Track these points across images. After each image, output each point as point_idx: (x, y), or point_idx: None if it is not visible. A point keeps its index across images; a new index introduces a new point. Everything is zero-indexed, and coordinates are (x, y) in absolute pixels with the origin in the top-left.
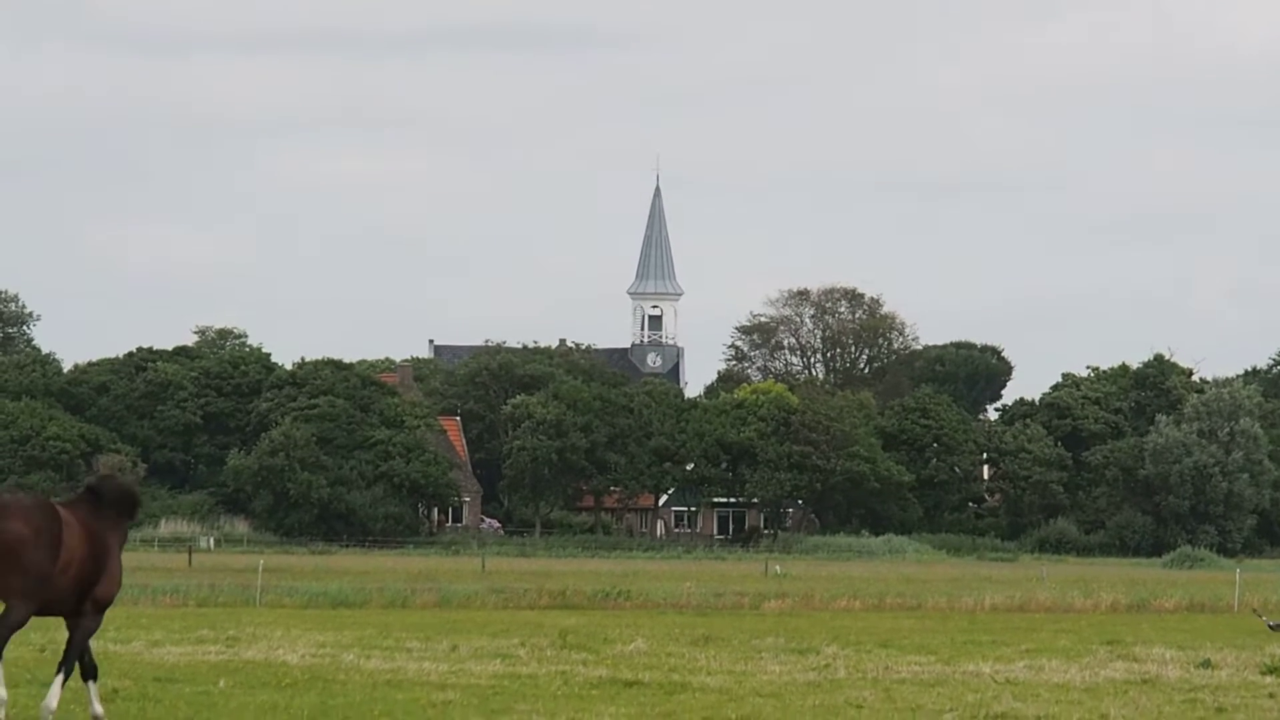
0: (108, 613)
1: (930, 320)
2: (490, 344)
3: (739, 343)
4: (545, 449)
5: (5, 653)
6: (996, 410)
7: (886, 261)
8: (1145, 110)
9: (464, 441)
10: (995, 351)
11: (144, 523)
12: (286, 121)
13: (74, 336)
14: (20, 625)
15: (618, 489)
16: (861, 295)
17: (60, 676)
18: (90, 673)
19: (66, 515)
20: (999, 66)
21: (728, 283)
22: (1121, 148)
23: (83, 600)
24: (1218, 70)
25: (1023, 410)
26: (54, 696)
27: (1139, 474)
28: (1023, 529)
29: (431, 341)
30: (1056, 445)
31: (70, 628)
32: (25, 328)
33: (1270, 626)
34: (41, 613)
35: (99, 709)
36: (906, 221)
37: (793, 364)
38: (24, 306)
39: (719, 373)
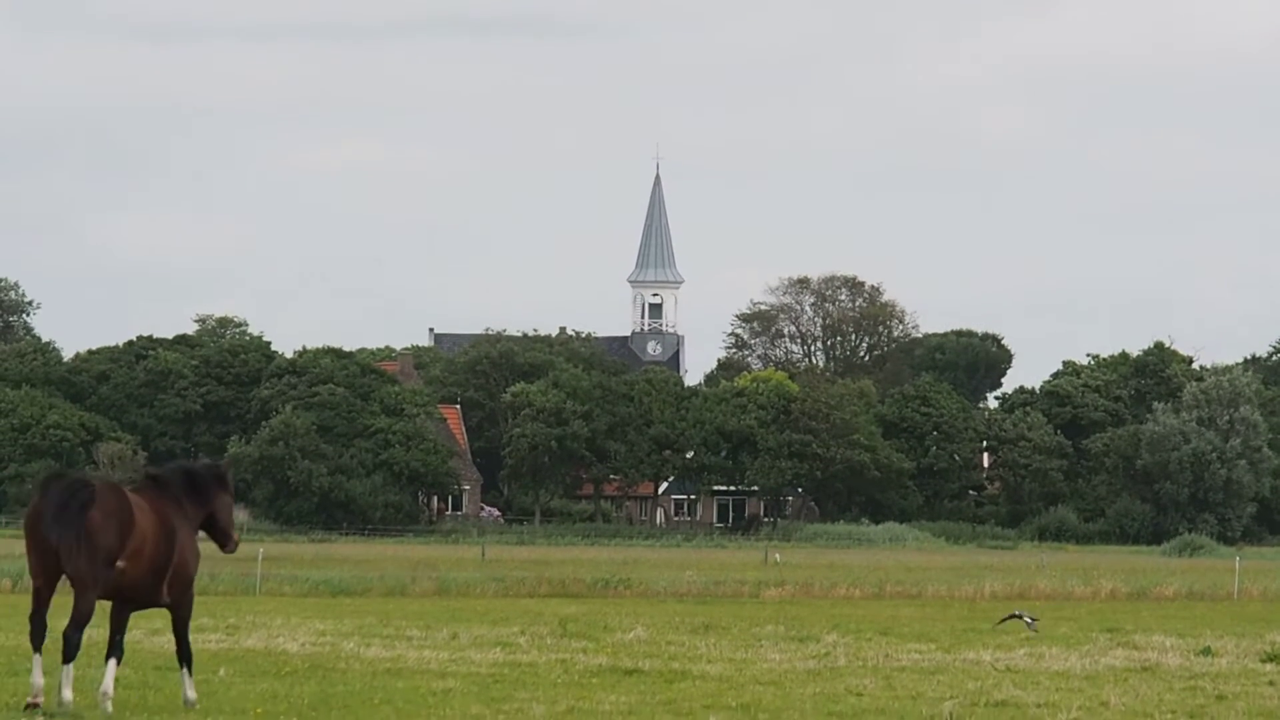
0: (107, 602)
1: (930, 308)
2: (490, 332)
3: (739, 331)
4: (545, 437)
5: (7, 640)
6: (996, 398)
7: (887, 249)
8: (1146, 99)
9: (464, 430)
10: (995, 339)
11: None
12: (287, 109)
13: (74, 325)
14: (89, 615)
15: (618, 477)
16: (862, 283)
17: (184, 669)
18: (116, 653)
19: (136, 499)
20: (1000, 55)
21: (728, 271)
22: (1122, 136)
23: (159, 584)
24: (1218, 59)
25: (1023, 398)
26: (189, 687)
27: (1139, 462)
28: (1022, 517)
29: (431, 330)
30: (1056, 433)
31: (124, 614)
32: (25, 316)
33: (1019, 619)
34: (123, 601)
35: (109, 688)
36: (907, 210)
37: (793, 352)
38: (24, 295)
39: (719, 361)
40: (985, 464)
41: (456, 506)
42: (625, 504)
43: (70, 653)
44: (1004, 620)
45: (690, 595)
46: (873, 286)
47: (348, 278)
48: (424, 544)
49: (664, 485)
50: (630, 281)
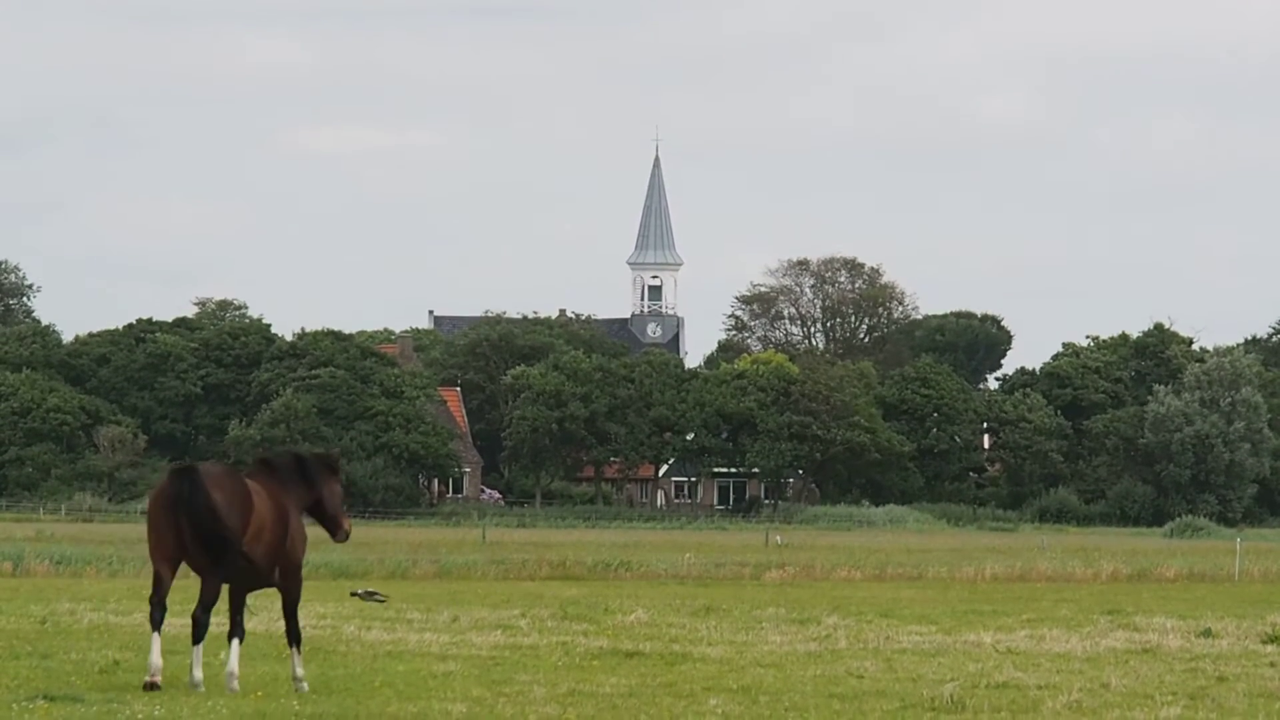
0: (110, 585)
1: (930, 290)
2: (490, 314)
3: (739, 313)
4: (545, 419)
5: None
6: (997, 380)
7: (886, 231)
8: (1146, 79)
9: (464, 412)
10: (995, 321)
11: (144, 494)
12: (286, 92)
13: (74, 308)
14: (215, 598)
15: (618, 459)
16: (861, 265)
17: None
18: (238, 632)
19: (253, 484)
20: (999, 36)
21: (727, 253)
22: (1122, 117)
23: (273, 567)
24: (1219, 40)
25: (1023, 380)
26: (298, 665)
27: (1139, 443)
28: (1023, 499)
29: (431, 312)
30: (1057, 415)
31: (240, 595)
32: (25, 299)
33: (369, 597)
34: (241, 583)
35: (234, 667)
36: (907, 191)
37: (793, 334)
38: (24, 278)
39: (719, 343)
40: (986, 445)
41: (457, 489)
42: (626, 486)
43: (199, 634)
44: (359, 595)
45: (691, 577)
46: (872, 268)
47: (347, 260)
48: (424, 527)
49: (664, 467)
50: (630, 264)
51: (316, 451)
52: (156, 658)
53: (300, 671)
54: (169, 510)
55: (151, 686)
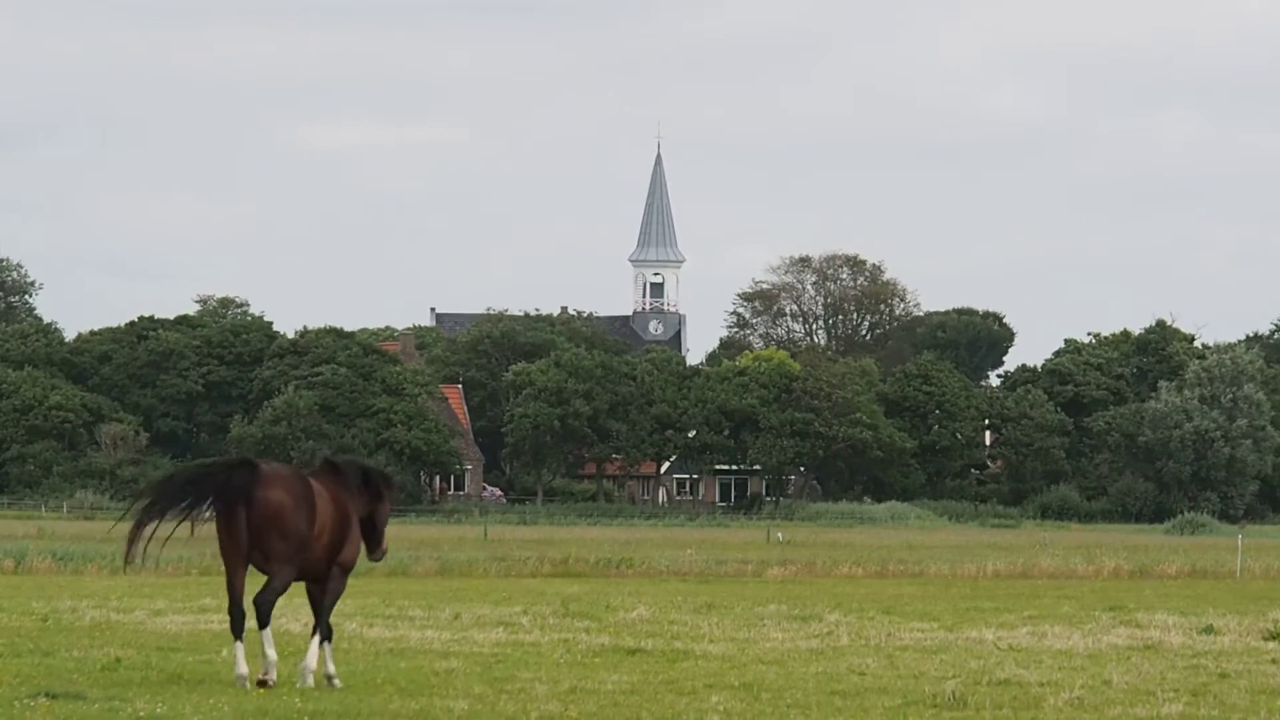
0: (111, 582)
1: (932, 286)
2: (492, 312)
3: (741, 310)
4: (547, 416)
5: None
6: (998, 376)
7: (888, 228)
8: (1147, 74)
9: (465, 409)
10: (997, 318)
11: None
12: (288, 88)
13: (76, 305)
14: (283, 591)
15: (619, 456)
16: (863, 262)
17: (316, 639)
18: (326, 636)
19: (317, 485)
20: (1001, 30)
21: (729, 250)
22: (1123, 112)
23: (331, 565)
24: (1219, 34)
25: (1025, 376)
26: (313, 656)
27: (1141, 440)
28: (1025, 495)
29: (433, 309)
30: (1058, 411)
31: (316, 593)
32: (27, 297)
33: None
34: (300, 581)
35: (333, 668)
36: (908, 188)
37: (794, 331)
38: (26, 275)
39: (721, 340)
40: (987, 442)
41: (458, 486)
42: (627, 483)
43: (264, 618)
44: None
45: (693, 574)
46: (874, 265)
47: (349, 257)
48: (426, 524)
49: (666, 465)
50: (631, 261)
51: (377, 468)
52: (242, 667)
53: (313, 664)
54: (230, 513)
55: (262, 684)
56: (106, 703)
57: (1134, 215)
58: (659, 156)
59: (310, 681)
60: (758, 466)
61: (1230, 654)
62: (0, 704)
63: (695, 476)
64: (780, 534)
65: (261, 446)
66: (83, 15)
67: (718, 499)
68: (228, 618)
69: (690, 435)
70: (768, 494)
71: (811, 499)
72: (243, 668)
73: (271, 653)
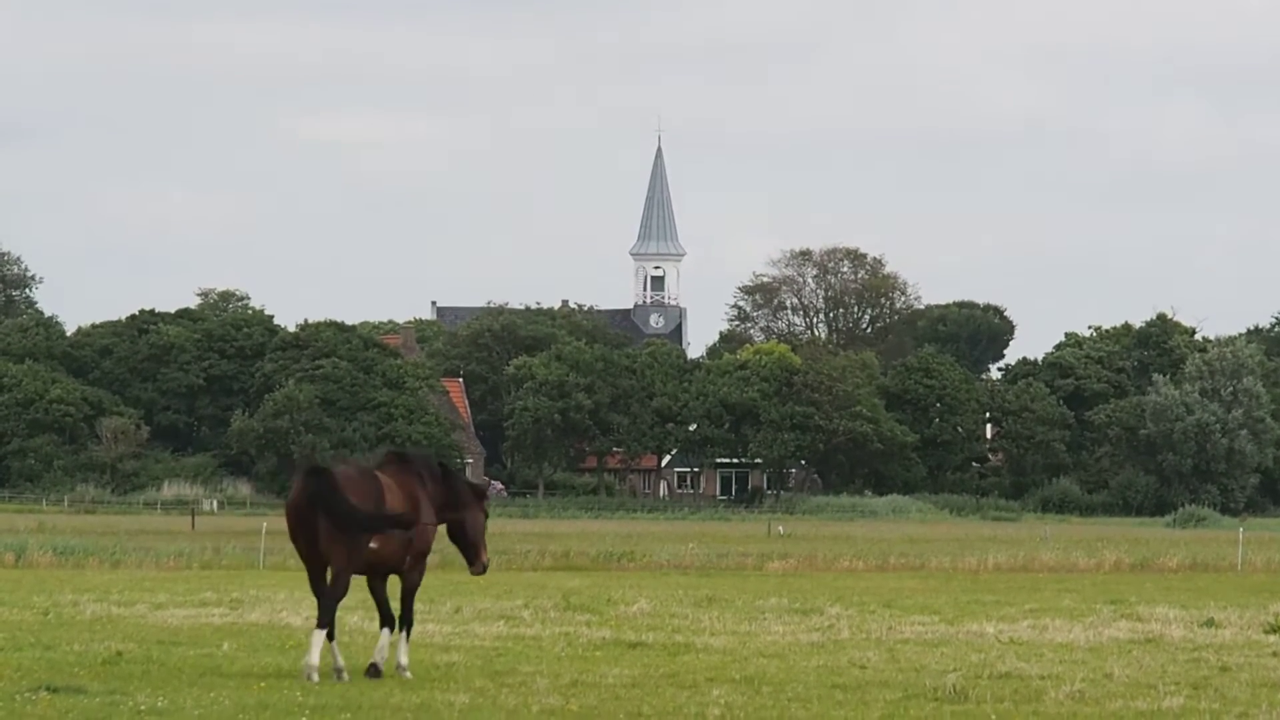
0: (112, 576)
1: (932, 280)
2: (493, 305)
3: (741, 303)
4: (548, 410)
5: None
6: (999, 370)
7: (889, 221)
8: (1147, 68)
9: (466, 403)
10: (998, 311)
11: (146, 485)
12: (288, 82)
13: (77, 299)
14: (344, 592)
15: (620, 450)
16: (864, 255)
17: (402, 633)
18: (389, 621)
19: (385, 479)
20: (1000, 24)
21: (730, 243)
22: (1123, 105)
23: (404, 556)
24: (1220, 27)
25: (1025, 369)
26: (403, 653)
27: (1141, 433)
28: (1026, 489)
29: (434, 303)
30: (1059, 404)
31: (379, 587)
32: (28, 290)
33: None
34: (376, 575)
35: (404, 659)
36: (909, 181)
37: (795, 324)
38: (27, 269)
39: (721, 333)
40: (988, 435)
41: None
42: (628, 477)
43: (324, 619)
44: None
45: (693, 568)
46: (875, 258)
47: (350, 251)
48: None
49: (667, 458)
50: (632, 254)
51: (468, 478)
52: (315, 657)
53: (404, 660)
54: (301, 513)
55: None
56: (108, 696)
57: (1135, 209)
58: (659, 150)
59: (408, 675)
60: (759, 460)
61: (1231, 647)
62: (2, 697)
63: (696, 470)
64: (781, 527)
65: (262, 440)
66: (84, 9)
67: (718, 492)
68: (315, 612)
69: (691, 429)
70: (768, 487)
71: (812, 492)
72: (315, 658)
73: (313, 658)
